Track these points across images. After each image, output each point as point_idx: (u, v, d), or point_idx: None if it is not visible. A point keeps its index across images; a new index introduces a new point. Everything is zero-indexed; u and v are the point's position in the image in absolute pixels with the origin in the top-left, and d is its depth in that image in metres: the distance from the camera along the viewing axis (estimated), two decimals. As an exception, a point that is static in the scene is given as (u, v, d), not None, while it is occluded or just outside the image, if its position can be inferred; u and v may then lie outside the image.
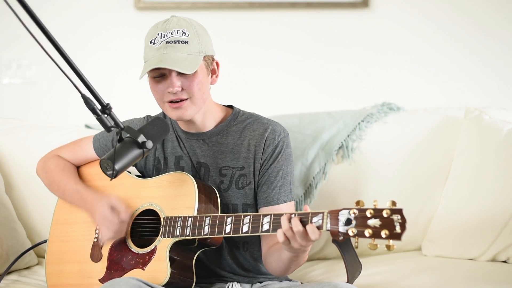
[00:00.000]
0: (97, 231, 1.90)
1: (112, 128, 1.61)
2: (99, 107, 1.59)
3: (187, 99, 1.77)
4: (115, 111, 1.62)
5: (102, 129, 1.87)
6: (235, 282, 1.88)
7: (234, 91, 3.02)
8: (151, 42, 1.76)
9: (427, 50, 3.10)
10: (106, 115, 1.60)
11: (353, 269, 1.63)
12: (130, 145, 1.61)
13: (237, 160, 1.88)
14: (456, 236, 2.25)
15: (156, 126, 1.69)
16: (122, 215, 1.79)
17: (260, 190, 1.87)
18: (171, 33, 1.74)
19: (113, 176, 1.60)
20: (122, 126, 1.62)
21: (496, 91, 3.10)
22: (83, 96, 1.58)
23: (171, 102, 1.78)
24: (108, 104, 1.60)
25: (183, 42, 1.73)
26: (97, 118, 1.60)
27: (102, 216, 1.80)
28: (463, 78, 3.11)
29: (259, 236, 1.90)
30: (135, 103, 2.98)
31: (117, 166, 1.58)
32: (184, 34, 1.74)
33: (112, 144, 1.99)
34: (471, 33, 3.10)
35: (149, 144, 1.62)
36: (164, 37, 1.74)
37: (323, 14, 3.10)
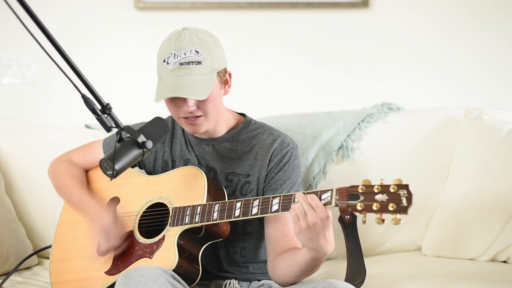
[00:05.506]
0: None
1: (112, 128, 1.61)
2: (99, 107, 1.60)
3: (201, 115, 1.80)
4: (115, 111, 1.62)
5: (103, 129, 1.88)
6: (233, 280, 1.88)
7: (234, 91, 3.01)
8: (164, 61, 1.77)
9: (427, 50, 3.10)
10: (106, 115, 1.61)
11: (354, 270, 1.63)
12: (130, 145, 1.61)
13: (243, 167, 1.89)
14: (456, 236, 2.25)
15: (156, 126, 1.70)
16: (120, 231, 1.83)
17: None
18: (184, 54, 1.75)
19: (113, 176, 1.60)
20: (122, 126, 1.63)
21: (497, 91, 3.10)
22: (83, 96, 1.59)
23: (186, 118, 1.80)
24: (108, 104, 1.61)
25: (196, 63, 1.75)
26: (97, 118, 1.61)
27: (104, 227, 1.82)
28: (463, 78, 3.11)
29: (258, 243, 1.91)
30: (134, 103, 2.99)
31: (117, 166, 1.59)
32: (197, 53, 1.76)
33: None
34: (471, 33, 3.09)
35: (149, 144, 1.62)
36: (177, 57, 1.75)
37: (323, 14, 3.10)
